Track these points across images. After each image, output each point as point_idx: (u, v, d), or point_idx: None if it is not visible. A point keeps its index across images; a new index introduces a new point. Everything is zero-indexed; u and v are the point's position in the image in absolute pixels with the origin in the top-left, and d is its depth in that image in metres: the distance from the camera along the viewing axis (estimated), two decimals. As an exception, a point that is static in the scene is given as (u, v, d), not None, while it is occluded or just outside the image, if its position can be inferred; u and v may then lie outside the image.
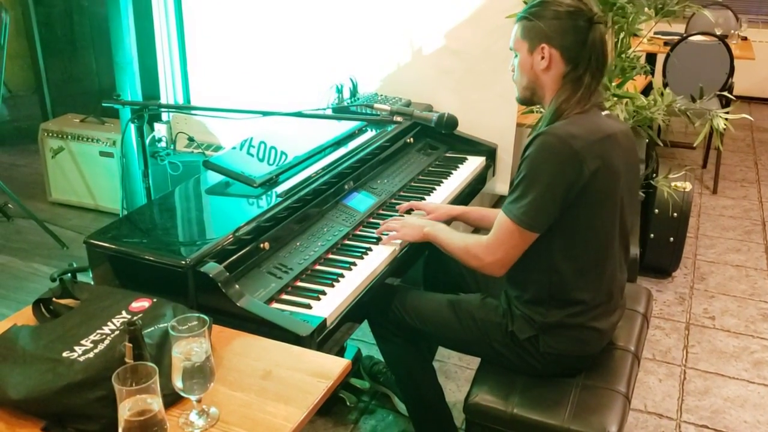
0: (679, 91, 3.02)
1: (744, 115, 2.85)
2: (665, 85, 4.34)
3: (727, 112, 2.77)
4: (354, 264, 1.87)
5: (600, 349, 1.83)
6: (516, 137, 2.85)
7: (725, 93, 3.72)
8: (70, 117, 4.11)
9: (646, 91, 4.16)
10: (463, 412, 1.77)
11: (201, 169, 2.08)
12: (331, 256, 1.92)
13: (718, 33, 4.58)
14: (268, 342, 1.44)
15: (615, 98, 2.65)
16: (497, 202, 3.64)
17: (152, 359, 1.21)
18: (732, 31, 5.02)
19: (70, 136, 3.92)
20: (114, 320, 1.39)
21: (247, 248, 1.73)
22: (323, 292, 1.73)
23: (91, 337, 1.33)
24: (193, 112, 3.25)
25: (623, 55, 2.82)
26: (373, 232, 2.02)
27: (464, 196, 2.48)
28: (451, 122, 2.02)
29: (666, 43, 4.68)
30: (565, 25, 1.64)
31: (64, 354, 1.28)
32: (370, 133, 2.45)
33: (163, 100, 3.35)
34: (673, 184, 3.11)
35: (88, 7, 4.83)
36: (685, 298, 3.21)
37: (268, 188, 1.98)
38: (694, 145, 2.97)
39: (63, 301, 1.53)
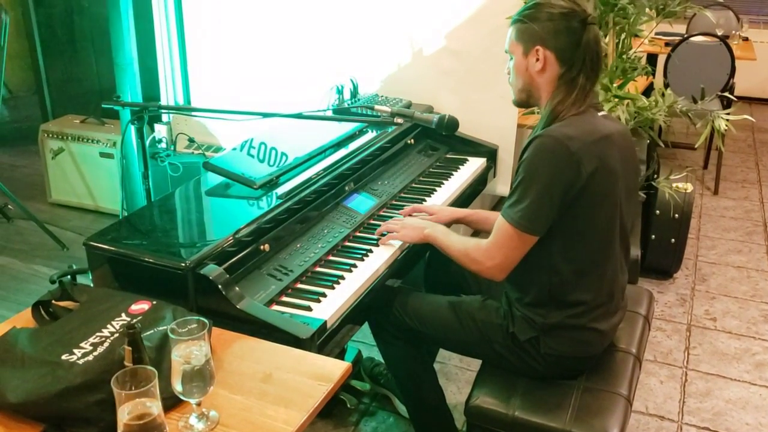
0: (680, 92, 3.01)
1: (746, 116, 2.85)
2: (666, 85, 4.34)
3: (728, 113, 2.76)
4: (354, 266, 1.86)
5: (601, 350, 1.82)
6: (517, 138, 2.84)
7: (726, 94, 3.72)
8: (70, 118, 4.11)
9: (647, 91, 4.16)
10: (464, 415, 1.77)
11: (201, 171, 2.08)
12: (331, 257, 1.91)
13: (719, 33, 4.57)
14: (269, 345, 1.44)
15: (616, 99, 2.64)
16: (498, 203, 3.63)
17: (152, 362, 1.21)
18: (733, 32, 5.01)
19: (70, 137, 3.91)
20: (113, 323, 1.38)
21: (247, 250, 1.72)
22: (324, 294, 1.72)
23: (91, 340, 1.32)
24: (194, 113, 3.25)
25: (624, 56, 2.82)
26: (374, 234, 2.01)
27: (465, 198, 2.47)
28: (452, 124, 2.01)
29: (667, 44, 4.68)
30: (558, 26, 1.64)
31: (63, 357, 1.27)
32: (370, 134, 2.45)
33: (163, 101, 3.35)
34: (674, 185, 3.10)
35: (89, 8, 4.82)
36: (687, 300, 3.20)
37: (268, 190, 1.98)
38: (696, 146, 2.96)
39: (62, 304, 1.53)
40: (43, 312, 1.50)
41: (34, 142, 4.11)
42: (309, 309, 1.66)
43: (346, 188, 2.16)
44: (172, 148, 3.16)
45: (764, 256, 3.62)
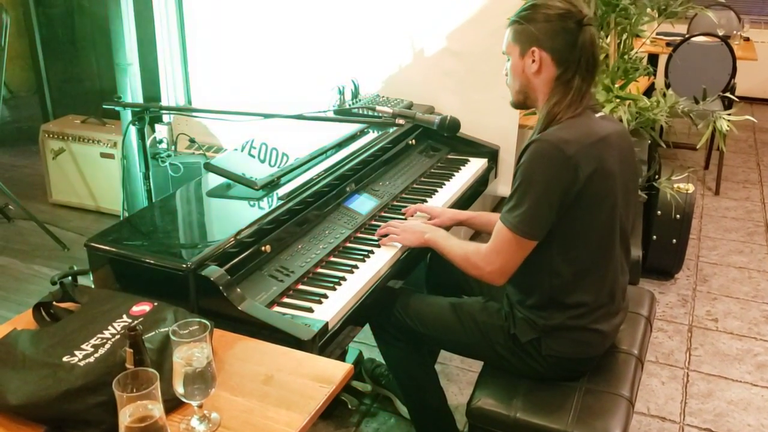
0: (681, 92, 3.01)
1: (747, 117, 2.84)
2: (667, 85, 4.33)
3: (730, 114, 2.76)
4: (356, 267, 1.86)
5: (603, 351, 1.82)
6: (518, 139, 2.84)
7: (728, 94, 3.71)
8: (70, 118, 4.11)
9: (648, 92, 4.16)
10: (465, 416, 1.76)
11: (202, 171, 2.07)
12: (332, 259, 1.91)
13: (720, 34, 4.57)
14: (270, 346, 1.43)
15: (618, 100, 2.64)
16: (499, 203, 3.63)
17: (153, 364, 1.21)
18: (734, 32, 5.01)
19: (70, 138, 3.91)
20: (115, 324, 1.38)
21: (249, 251, 1.72)
22: (325, 296, 1.72)
23: (92, 342, 1.32)
24: (195, 114, 3.25)
25: (626, 57, 2.81)
26: (375, 235, 2.01)
27: (466, 198, 2.47)
28: (454, 125, 2.01)
29: (668, 44, 4.67)
30: (554, 27, 1.64)
31: (65, 359, 1.27)
32: (371, 135, 2.44)
33: (164, 102, 3.35)
34: (675, 185, 3.10)
35: (89, 8, 4.82)
36: (688, 300, 3.20)
37: (269, 190, 1.97)
38: (697, 147, 2.95)
39: (63, 305, 1.53)
40: (44, 313, 1.50)
41: (35, 142, 4.10)
42: (310, 310, 1.66)
43: (348, 189, 2.16)
44: (173, 148, 3.15)
45: (766, 257, 3.61)
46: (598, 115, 1.71)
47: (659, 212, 3.21)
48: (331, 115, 2.28)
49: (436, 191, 2.37)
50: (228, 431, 1.21)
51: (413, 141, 2.59)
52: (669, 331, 2.95)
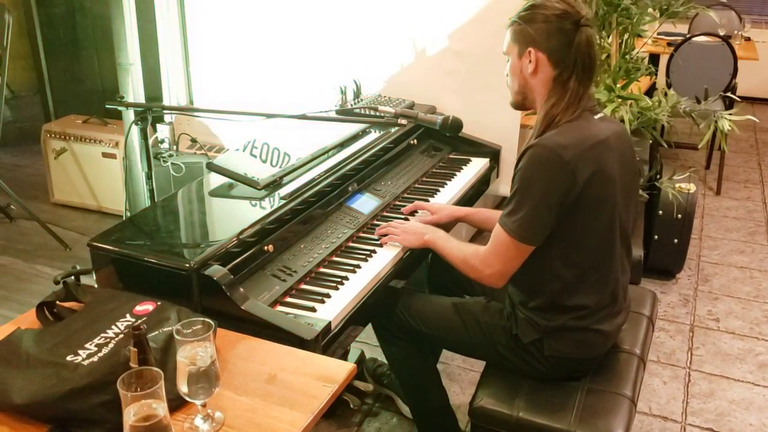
0: (682, 92, 3.01)
1: (749, 117, 2.84)
2: (668, 85, 4.33)
3: (732, 114, 2.76)
4: (358, 266, 1.86)
5: (605, 351, 1.82)
6: (520, 138, 2.84)
7: (729, 94, 3.72)
8: (72, 118, 4.11)
9: (650, 92, 4.16)
10: (468, 416, 1.77)
11: (204, 171, 2.07)
12: (335, 258, 1.91)
13: (721, 33, 4.57)
14: (273, 346, 1.44)
15: (620, 100, 2.64)
16: (501, 202, 3.63)
17: (157, 363, 1.21)
18: (735, 32, 5.01)
19: (72, 137, 3.91)
20: (118, 324, 1.38)
21: (252, 251, 1.72)
22: (327, 295, 1.72)
23: (95, 341, 1.32)
24: (197, 114, 3.25)
25: (627, 56, 2.81)
26: (375, 234, 2.01)
27: (468, 198, 2.47)
28: (456, 125, 2.01)
29: (669, 44, 4.68)
30: (550, 28, 1.64)
31: (68, 358, 1.27)
32: (373, 135, 2.44)
33: (165, 102, 3.35)
34: (677, 185, 3.10)
35: (91, 8, 4.83)
36: (689, 300, 3.20)
37: (272, 190, 1.97)
38: (699, 146, 2.96)
39: (67, 305, 1.53)
40: (47, 313, 1.50)
41: (37, 142, 4.11)
42: (313, 310, 1.66)
43: (350, 189, 2.16)
44: (175, 148, 3.16)
45: (767, 257, 3.61)
46: (597, 116, 1.71)
47: (661, 212, 3.21)
48: (333, 115, 2.28)
49: (438, 191, 2.37)
50: (232, 430, 1.21)
51: (415, 141, 2.59)
52: (671, 331, 2.95)
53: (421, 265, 2.18)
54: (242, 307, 1.54)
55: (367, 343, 2.61)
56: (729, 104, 4.40)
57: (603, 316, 1.75)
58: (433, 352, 2.29)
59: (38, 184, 4.26)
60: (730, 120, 2.73)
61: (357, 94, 2.66)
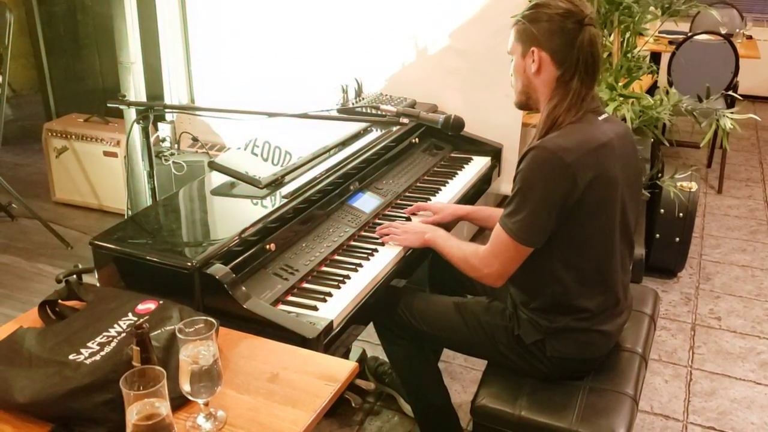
0: (683, 90, 3.01)
1: (751, 115, 2.84)
2: (670, 84, 4.33)
3: (733, 112, 2.76)
4: (360, 265, 1.86)
5: (607, 351, 1.82)
6: (521, 137, 2.84)
7: (731, 92, 3.71)
8: (74, 117, 4.11)
9: (651, 90, 4.15)
10: (470, 414, 1.77)
11: (206, 170, 2.07)
12: (337, 257, 1.91)
13: (723, 32, 4.57)
14: (275, 344, 1.44)
15: (621, 98, 2.64)
16: (502, 201, 3.63)
17: (159, 362, 1.21)
18: (737, 30, 5.01)
19: (74, 136, 3.91)
20: (120, 322, 1.38)
21: (253, 249, 1.72)
22: (329, 294, 1.72)
23: (98, 340, 1.32)
24: (198, 112, 3.25)
25: (629, 55, 2.81)
26: (375, 234, 2.01)
27: (470, 197, 2.47)
28: (458, 124, 2.00)
29: (671, 42, 4.67)
30: (553, 27, 1.63)
31: (71, 357, 1.27)
32: (375, 134, 2.44)
33: (167, 100, 3.35)
34: (678, 184, 3.10)
35: (92, 7, 4.83)
36: (691, 299, 3.20)
37: (273, 189, 1.97)
38: (700, 145, 2.95)
39: (69, 303, 1.53)
40: (49, 311, 1.51)
41: (38, 140, 4.11)
42: (315, 308, 1.66)
43: (351, 187, 2.16)
44: (176, 147, 3.16)
45: (769, 255, 3.61)
46: (601, 117, 1.70)
47: (662, 211, 3.21)
48: (334, 113, 2.28)
49: (440, 189, 2.37)
50: (234, 429, 1.21)
51: (416, 139, 2.59)
52: (672, 330, 2.95)
53: (422, 265, 2.18)
54: (244, 306, 1.54)
55: (368, 341, 2.61)
56: (730, 103, 4.40)
57: (605, 317, 1.74)
58: (434, 351, 2.29)
59: (39, 183, 4.26)
60: (731, 118, 2.72)
61: (358, 93, 2.66)
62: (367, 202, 2.16)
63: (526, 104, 1.79)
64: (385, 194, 2.24)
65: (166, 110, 3.00)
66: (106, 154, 3.86)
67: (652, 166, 3.20)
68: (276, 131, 2.23)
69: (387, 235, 1.98)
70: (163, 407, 1.08)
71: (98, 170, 3.92)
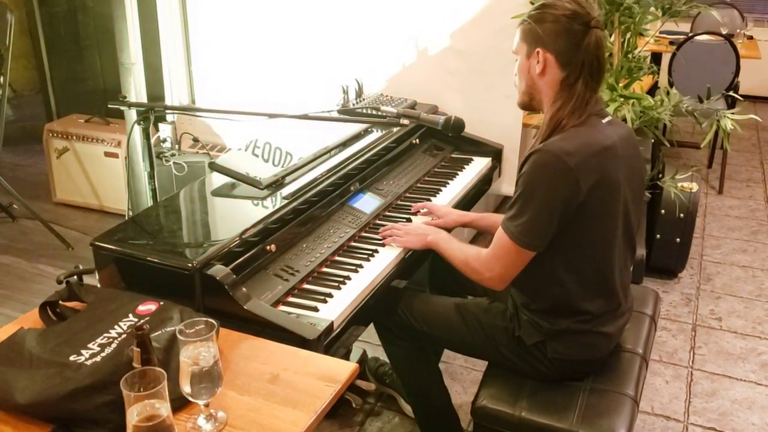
0: (684, 91, 3.01)
1: (752, 116, 2.84)
2: (671, 84, 4.33)
3: (734, 113, 2.75)
4: (360, 266, 1.86)
5: (608, 352, 1.82)
6: (522, 138, 2.84)
7: (731, 93, 3.71)
8: (74, 117, 4.11)
9: (652, 90, 4.15)
10: (470, 415, 1.77)
11: (206, 171, 2.07)
12: (337, 258, 1.91)
13: (723, 32, 4.56)
14: (276, 345, 1.44)
15: (622, 99, 2.64)
16: (503, 202, 3.63)
17: (159, 363, 1.21)
18: (738, 30, 5.00)
19: (74, 137, 3.92)
20: (121, 323, 1.39)
21: (254, 250, 1.72)
22: (330, 295, 1.72)
23: (98, 341, 1.33)
24: (199, 113, 3.25)
25: (630, 56, 2.81)
26: (378, 235, 2.01)
27: (470, 198, 2.47)
28: (458, 125, 2.01)
29: (671, 43, 4.67)
30: (559, 28, 1.62)
31: (72, 358, 1.27)
32: (375, 134, 2.44)
33: (167, 101, 3.35)
34: (679, 184, 3.09)
35: (93, 7, 4.83)
36: (692, 299, 3.20)
37: (274, 190, 1.97)
38: (701, 145, 2.95)
39: (69, 304, 1.53)
40: (50, 312, 1.51)
41: (39, 141, 4.11)
42: (316, 309, 1.66)
43: (352, 188, 2.16)
44: (177, 147, 3.16)
45: (769, 256, 3.61)
46: (605, 120, 1.69)
47: (663, 211, 3.21)
48: (335, 114, 2.28)
49: (440, 190, 2.37)
50: (234, 430, 1.21)
51: (417, 140, 2.59)
52: (673, 330, 2.95)
53: (422, 265, 2.18)
54: (245, 307, 1.55)
55: (369, 342, 2.61)
56: (731, 103, 4.40)
57: (606, 319, 1.74)
58: (434, 352, 2.29)
59: (40, 184, 4.26)
60: (732, 119, 2.72)
61: (359, 94, 2.66)
62: (367, 203, 2.16)
63: (529, 105, 1.78)
64: (386, 195, 2.25)
65: (167, 111, 2.99)
66: (107, 154, 3.87)
67: (653, 167, 3.20)
68: (277, 132, 2.23)
69: (390, 236, 1.98)
70: (164, 408, 1.08)
71: (99, 171, 3.93)
